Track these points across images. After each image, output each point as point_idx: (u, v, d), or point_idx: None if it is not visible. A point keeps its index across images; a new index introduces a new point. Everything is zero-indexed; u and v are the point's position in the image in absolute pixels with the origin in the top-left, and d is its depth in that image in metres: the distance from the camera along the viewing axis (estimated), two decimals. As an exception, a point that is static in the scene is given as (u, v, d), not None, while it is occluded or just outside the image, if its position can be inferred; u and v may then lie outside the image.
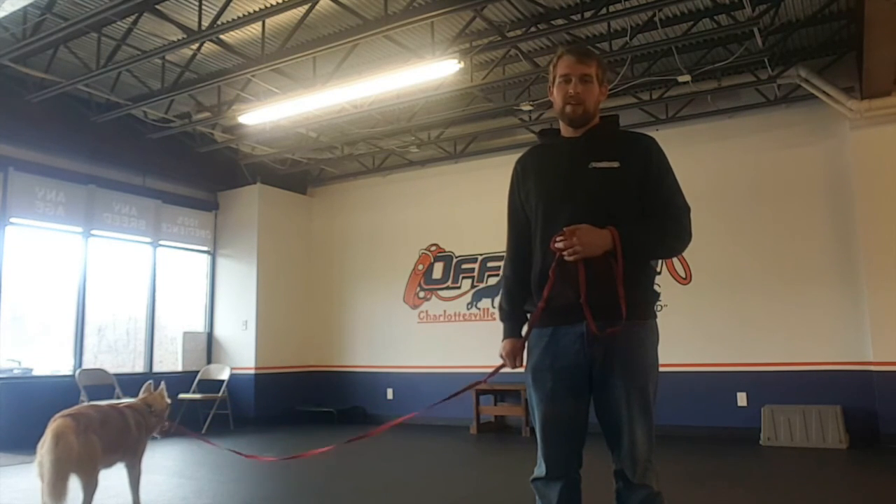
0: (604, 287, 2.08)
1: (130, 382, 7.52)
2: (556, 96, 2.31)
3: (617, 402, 2.13)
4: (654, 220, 2.19)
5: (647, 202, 2.21)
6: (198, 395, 8.59)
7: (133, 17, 5.94)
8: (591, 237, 2.08)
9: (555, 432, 2.21)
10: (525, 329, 2.33)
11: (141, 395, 4.11)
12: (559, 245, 2.09)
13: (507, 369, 2.37)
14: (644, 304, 2.19)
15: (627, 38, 6.15)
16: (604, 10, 5.64)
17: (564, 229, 2.10)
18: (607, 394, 2.15)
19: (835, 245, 6.95)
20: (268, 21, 6.09)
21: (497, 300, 2.58)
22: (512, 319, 2.37)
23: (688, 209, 2.25)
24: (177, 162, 8.99)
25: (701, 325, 7.43)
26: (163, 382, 4.23)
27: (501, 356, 2.35)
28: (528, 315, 2.33)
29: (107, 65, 6.44)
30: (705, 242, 7.16)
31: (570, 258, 2.08)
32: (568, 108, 2.26)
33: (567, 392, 2.18)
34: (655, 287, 2.28)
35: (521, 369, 2.33)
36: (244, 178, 9.65)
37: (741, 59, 6.45)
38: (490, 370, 2.39)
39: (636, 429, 2.11)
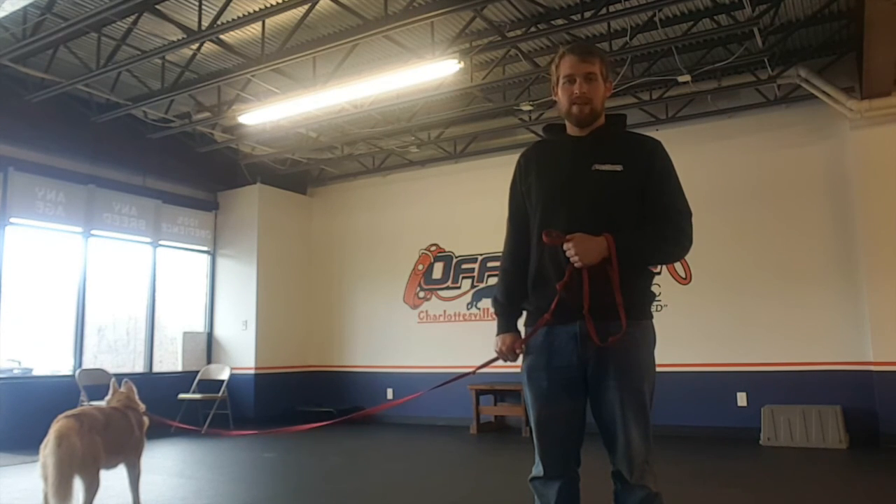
0: (601, 294, 2.07)
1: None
2: (560, 97, 2.26)
3: (611, 403, 2.11)
4: (653, 226, 2.16)
5: (648, 206, 2.18)
6: (198, 395, 8.59)
7: (133, 17, 5.94)
8: (587, 245, 2.05)
9: (551, 432, 2.20)
10: (522, 325, 2.31)
11: (111, 395, 3.97)
12: (568, 254, 2.07)
13: (500, 362, 2.35)
14: (640, 305, 2.17)
15: (627, 38, 6.15)
16: (604, 10, 5.64)
17: (565, 237, 2.07)
18: (602, 395, 2.14)
19: (835, 245, 6.95)
20: (268, 21, 6.09)
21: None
22: (509, 314, 2.34)
23: (689, 214, 2.21)
24: (177, 162, 8.99)
25: (701, 325, 7.43)
26: (126, 380, 4.07)
27: (497, 351, 2.31)
28: (525, 312, 2.31)
29: (107, 65, 6.44)
30: (705, 242, 7.14)
31: (577, 266, 2.06)
32: (575, 109, 2.21)
33: (562, 391, 2.17)
34: (653, 288, 2.26)
35: (518, 368, 2.31)
36: (244, 178, 9.65)
37: (741, 59, 6.45)
38: (490, 370, 2.38)
39: (631, 430, 2.09)
